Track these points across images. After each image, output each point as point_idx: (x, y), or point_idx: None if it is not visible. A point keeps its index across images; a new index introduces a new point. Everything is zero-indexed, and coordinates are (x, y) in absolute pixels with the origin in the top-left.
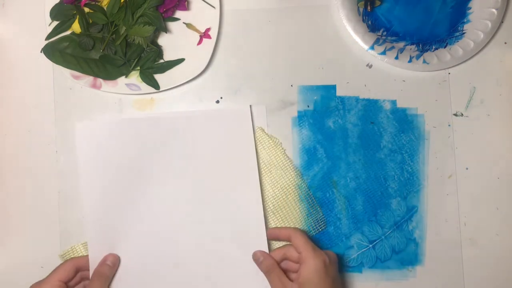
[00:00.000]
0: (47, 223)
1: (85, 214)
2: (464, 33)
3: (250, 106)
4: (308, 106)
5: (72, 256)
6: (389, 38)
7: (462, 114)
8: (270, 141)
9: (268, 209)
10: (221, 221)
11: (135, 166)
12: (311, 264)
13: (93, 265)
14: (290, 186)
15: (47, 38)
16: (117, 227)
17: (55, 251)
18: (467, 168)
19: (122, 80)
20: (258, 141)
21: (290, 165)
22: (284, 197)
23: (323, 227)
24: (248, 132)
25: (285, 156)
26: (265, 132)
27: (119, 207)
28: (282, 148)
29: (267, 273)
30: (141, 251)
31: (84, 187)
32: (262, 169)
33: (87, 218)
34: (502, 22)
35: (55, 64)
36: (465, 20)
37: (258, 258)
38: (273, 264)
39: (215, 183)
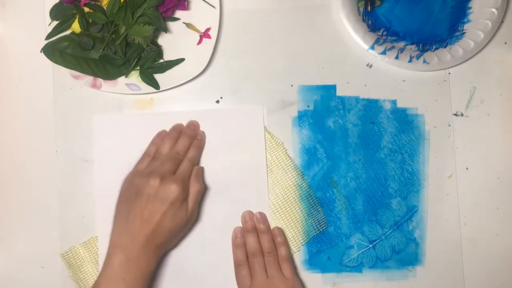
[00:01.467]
0: (47, 223)
1: (96, 207)
2: (464, 33)
3: (263, 106)
4: (308, 106)
5: (72, 257)
6: (389, 38)
7: (462, 114)
8: (272, 141)
9: (269, 209)
10: (227, 216)
11: None
12: None
13: (102, 258)
14: (291, 186)
15: (47, 38)
16: None
17: (55, 250)
18: (467, 168)
19: (122, 80)
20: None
21: (291, 165)
22: (285, 196)
23: (324, 227)
24: (259, 132)
25: (287, 156)
26: (268, 132)
27: None
28: (284, 148)
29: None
30: None
31: (97, 180)
32: None
33: (98, 211)
34: (502, 22)
35: (55, 64)
36: (465, 20)
37: None
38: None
39: (224, 181)
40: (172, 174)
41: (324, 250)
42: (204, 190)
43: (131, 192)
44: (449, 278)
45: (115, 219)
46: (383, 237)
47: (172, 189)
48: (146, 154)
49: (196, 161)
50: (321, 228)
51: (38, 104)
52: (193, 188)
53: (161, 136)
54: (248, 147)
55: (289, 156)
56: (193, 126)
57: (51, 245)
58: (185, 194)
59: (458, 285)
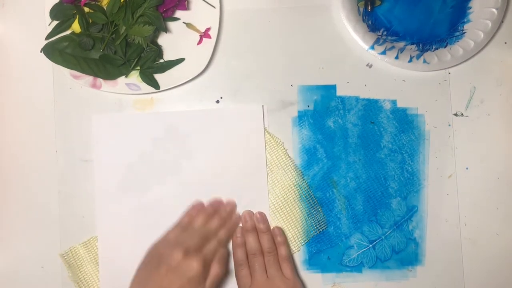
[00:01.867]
0: (47, 223)
1: (96, 207)
2: (464, 32)
3: (263, 106)
4: (308, 106)
5: (72, 257)
6: (389, 38)
7: (462, 114)
8: (272, 141)
9: (269, 209)
10: None
11: (147, 160)
12: None
13: (102, 258)
14: (292, 186)
15: (47, 38)
16: (127, 220)
17: (55, 250)
18: (467, 168)
19: (122, 80)
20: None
21: (292, 165)
22: (285, 196)
23: (324, 227)
24: (259, 131)
25: (287, 156)
26: (268, 132)
27: (129, 200)
28: (284, 148)
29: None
30: (149, 244)
31: (98, 180)
32: None
33: (98, 211)
34: (502, 22)
35: (55, 64)
36: (465, 20)
37: None
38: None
39: (225, 181)
40: (198, 250)
41: (324, 250)
42: (225, 275)
43: (154, 259)
44: (449, 278)
45: (133, 281)
46: (383, 237)
47: (193, 266)
48: (178, 224)
49: (225, 242)
50: (321, 228)
51: (38, 104)
52: (214, 271)
53: (197, 209)
54: (248, 147)
55: (289, 156)
56: (231, 207)
57: (51, 245)
58: (205, 274)
59: (458, 285)
